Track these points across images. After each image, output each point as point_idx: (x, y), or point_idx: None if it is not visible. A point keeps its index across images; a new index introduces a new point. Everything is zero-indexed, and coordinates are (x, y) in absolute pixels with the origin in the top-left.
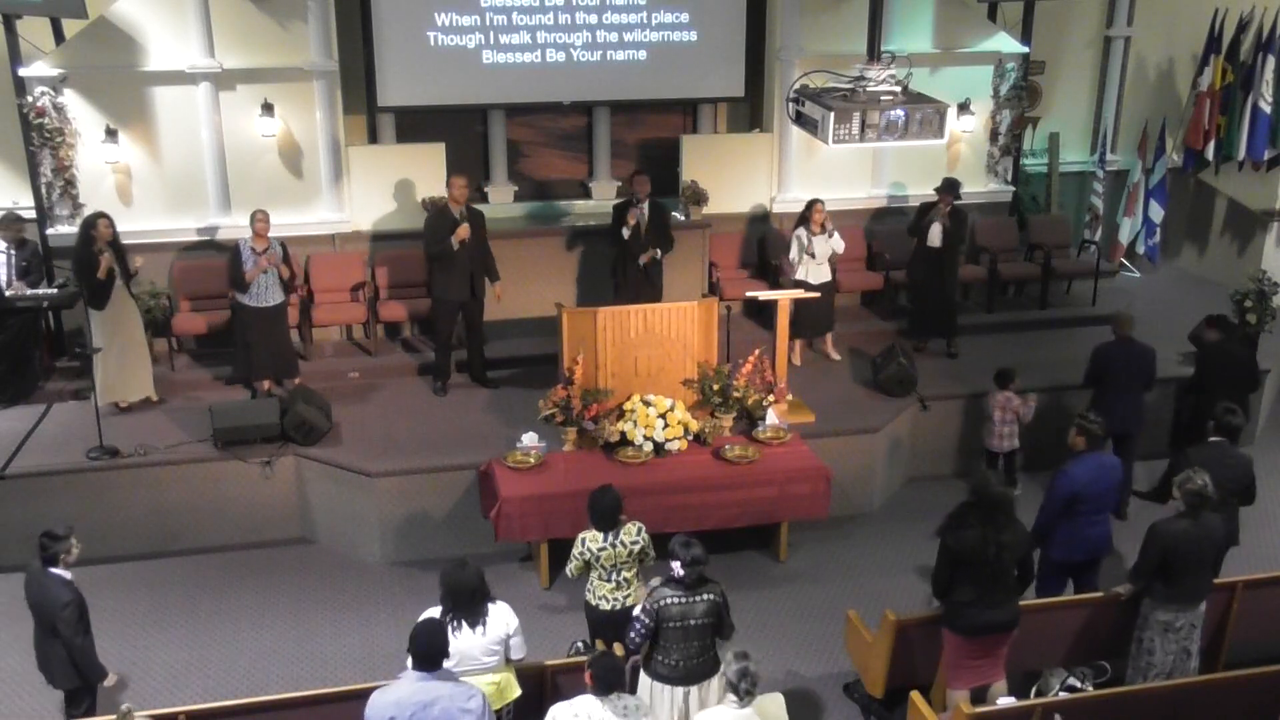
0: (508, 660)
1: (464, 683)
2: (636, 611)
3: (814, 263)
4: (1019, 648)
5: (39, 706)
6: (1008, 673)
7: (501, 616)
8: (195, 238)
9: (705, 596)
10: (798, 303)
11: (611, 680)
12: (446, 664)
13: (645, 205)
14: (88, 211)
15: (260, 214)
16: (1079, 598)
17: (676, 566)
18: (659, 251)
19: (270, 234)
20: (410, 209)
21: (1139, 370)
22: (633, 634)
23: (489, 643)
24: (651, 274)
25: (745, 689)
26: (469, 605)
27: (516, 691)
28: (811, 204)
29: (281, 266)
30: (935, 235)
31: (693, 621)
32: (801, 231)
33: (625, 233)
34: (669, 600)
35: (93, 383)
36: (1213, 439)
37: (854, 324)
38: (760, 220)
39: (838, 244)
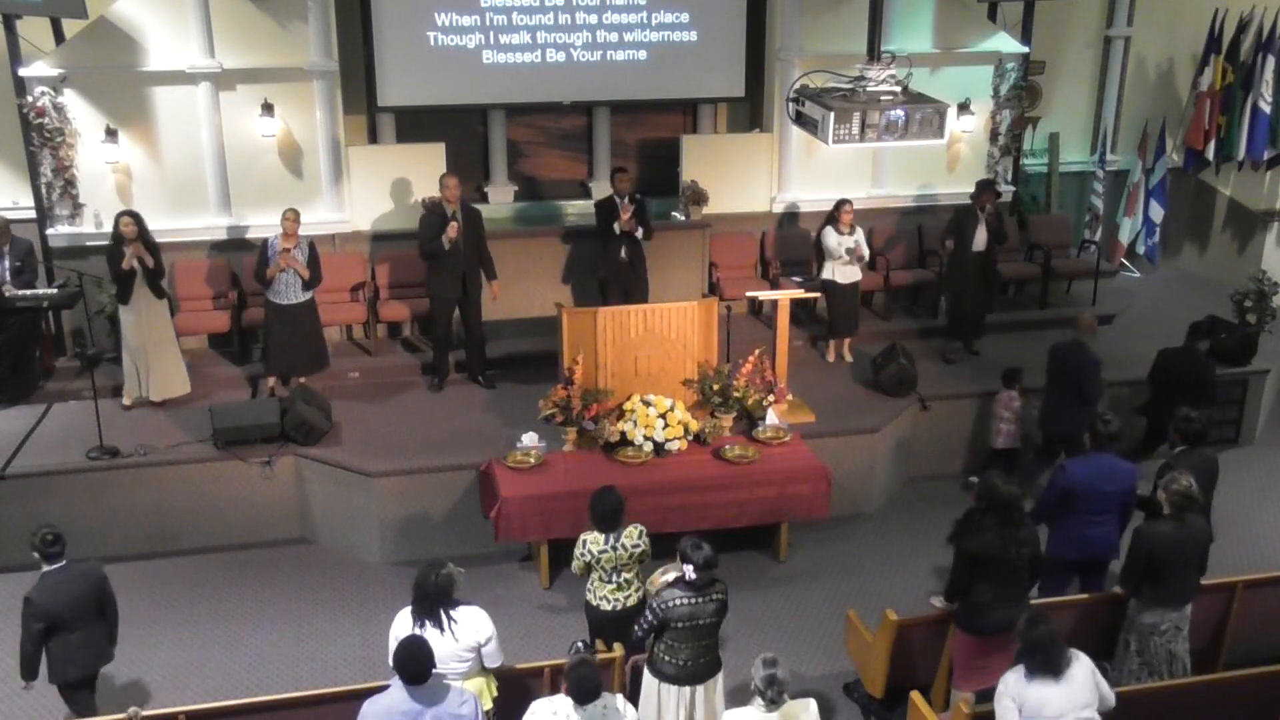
0: (485, 669)
1: (455, 688)
2: (647, 608)
3: (841, 263)
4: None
5: (37, 707)
6: None
7: (474, 623)
8: (195, 238)
9: (715, 596)
10: (832, 303)
11: (586, 692)
12: None
13: (625, 201)
14: (88, 211)
15: (290, 212)
16: (1077, 598)
17: (689, 570)
18: (640, 229)
19: (267, 233)
20: (410, 209)
21: (1078, 375)
22: (637, 629)
23: (459, 649)
24: (636, 265)
25: (771, 697)
26: (427, 608)
27: (488, 704)
28: (840, 204)
29: (300, 268)
30: (980, 240)
31: (702, 621)
32: (830, 230)
33: (617, 228)
34: (678, 601)
35: (93, 383)
36: (1181, 448)
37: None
38: (761, 220)
39: (862, 247)
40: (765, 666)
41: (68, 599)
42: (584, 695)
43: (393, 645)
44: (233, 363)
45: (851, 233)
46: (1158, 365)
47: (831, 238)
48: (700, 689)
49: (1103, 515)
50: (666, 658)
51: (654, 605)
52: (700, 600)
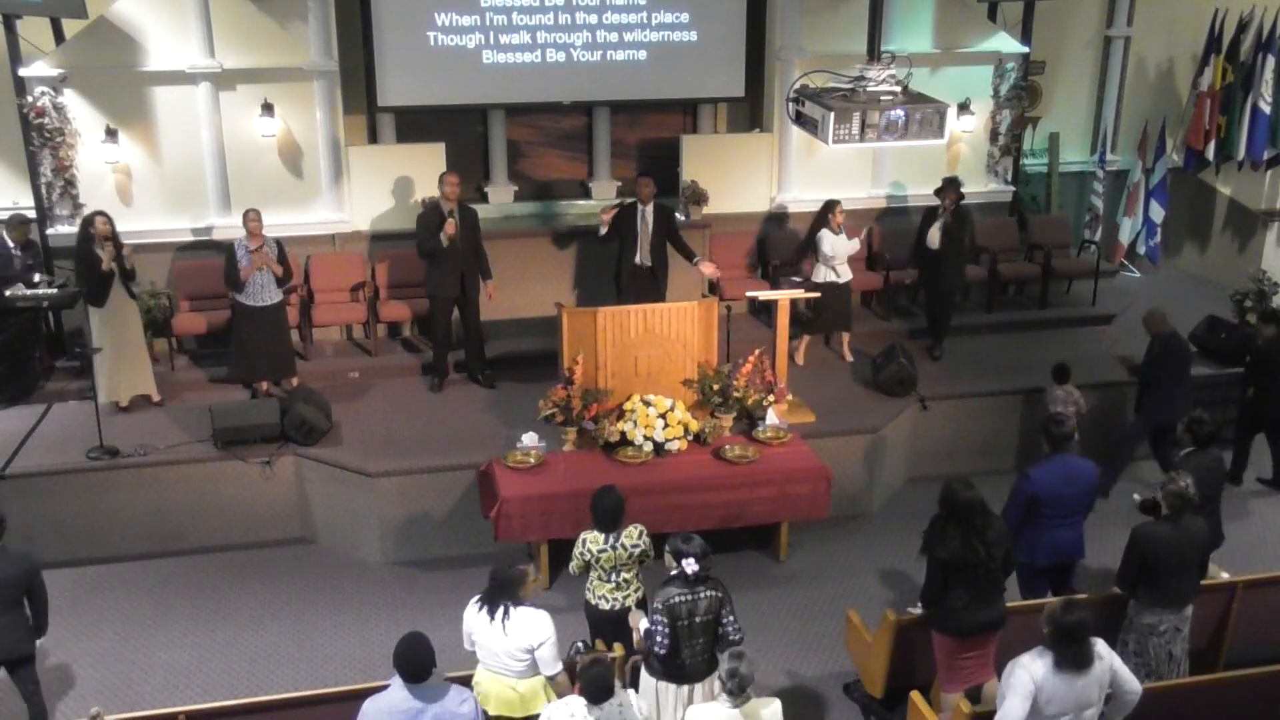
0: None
1: (454, 686)
2: (649, 620)
3: (836, 262)
4: (1010, 650)
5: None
6: (999, 674)
7: (530, 626)
8: (195, 238)
9: (707, 593)
10: (825, 302)
11: (600, 692)
12: (479, 653)
13: (649, 209)
14: (88, 211)
15: (252, 213)
16: (1078, 598)
17: (689, 563)
18: (696, 258)
19: (269, 233)
20: (410, 209)
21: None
22: (655, 641)
23: (511, 647)
24: (657, 275)
25: (731, 688)
26: (492, 597)
27: (537, 708)
28: (832, 204)
29: (274, 265)
30: (934, 238)
31: (698, 619)
32: (826, 232)
33: (602, 230)
34: (676, 599)
35: (93, 383)
36: (1189, 449)
37: (855, 324)
38: (760, 220)
39: (853, 244)
40: (730, 660)
41: None
42: (598, 694)
43: (464, 629)
44: (230, 363)
45: (842, 233)
46: (1258, 355)
47: (829, 241)
48: (699, 687)
49: (1069, 518)
50: (724, 653)
51: (658, 607)
52: (694, 597)
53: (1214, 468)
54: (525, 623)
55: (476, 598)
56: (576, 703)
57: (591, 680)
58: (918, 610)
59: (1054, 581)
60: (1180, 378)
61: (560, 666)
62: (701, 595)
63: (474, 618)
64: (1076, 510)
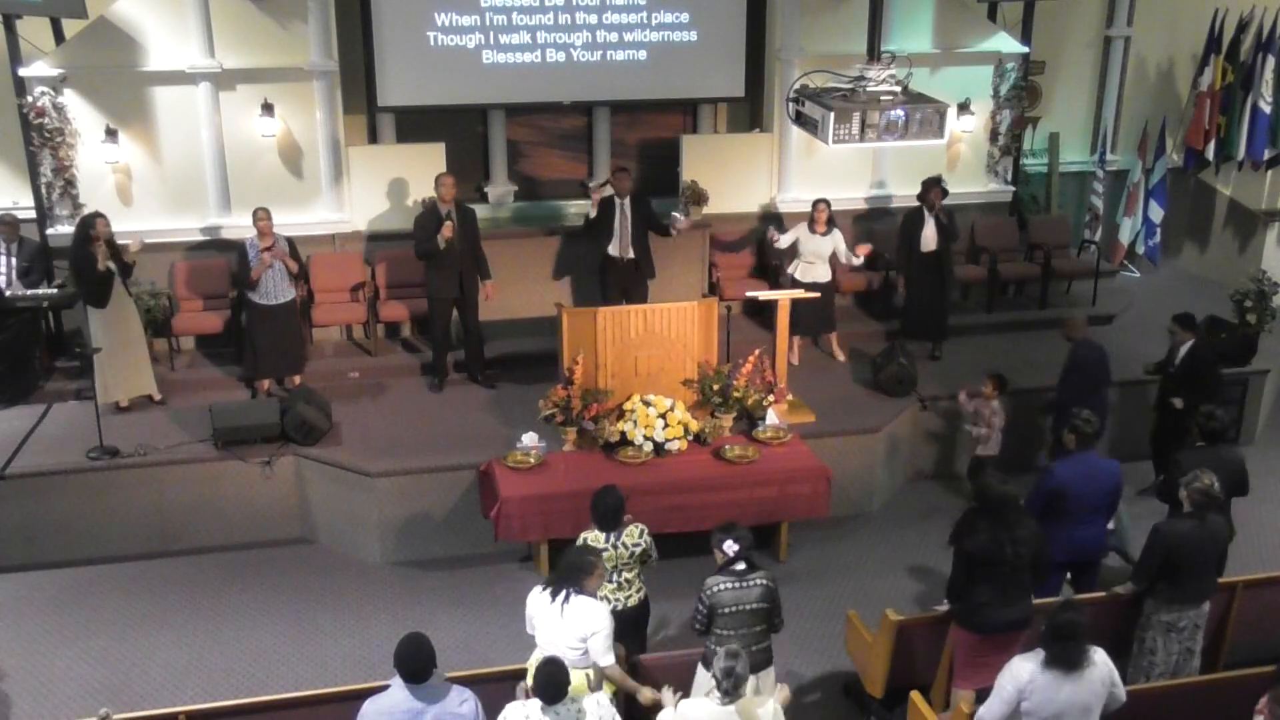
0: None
1: (455, 688)
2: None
3: (805, 261)
4: (1017, 649)
5: (41, 708)
6: None
7: (585, 614)
8: (195, 238)
9: (759, 581)
10: (795, 300)
11: (552, 691)
12: (536, 638)
13: (627, 202)
14: (86, 212)
15: (262, 211)
16: (1080, 598)
17: (730, 545)
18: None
19: (274, 231)
20: (410, 209)
21: (1105, 370)
22: (694, 624)
23: (567, 635)
24: (641, 267)
25: (726, 688)
26: (557, 581)
27: (582, 691)
28: (815, 204)
29: (289, 260)
30: (930, 238)
31: (749, 606)
32: (803, 227)
33: (591, 213)
34: (722, 586)
35: (92, 383)
36: (1200, 444)
37: (854, 324)
38: (761, 220)
39: (840, 248)
40: (726, 658)
41: None
42: (551, 694)
43: (528, 613)
44: (231, 363)
45: (828, 233)
46: (1187, 363)
47: (792, 236)
48: (753, 680)
49: (1090, 516)
50: (720, 650)
51: (701, 595)
52: (743, 585)
53: (1225, 465)
54: (581, 611)
55: (543, 581)
56: (532, 704)
57: (546, 680)
58: (944, 607)
59: (1076, 580)
60: (1099, 390)
61: (613, 658)
62: (754, 583)
63: (536, 599)
64: (1099, 509)
